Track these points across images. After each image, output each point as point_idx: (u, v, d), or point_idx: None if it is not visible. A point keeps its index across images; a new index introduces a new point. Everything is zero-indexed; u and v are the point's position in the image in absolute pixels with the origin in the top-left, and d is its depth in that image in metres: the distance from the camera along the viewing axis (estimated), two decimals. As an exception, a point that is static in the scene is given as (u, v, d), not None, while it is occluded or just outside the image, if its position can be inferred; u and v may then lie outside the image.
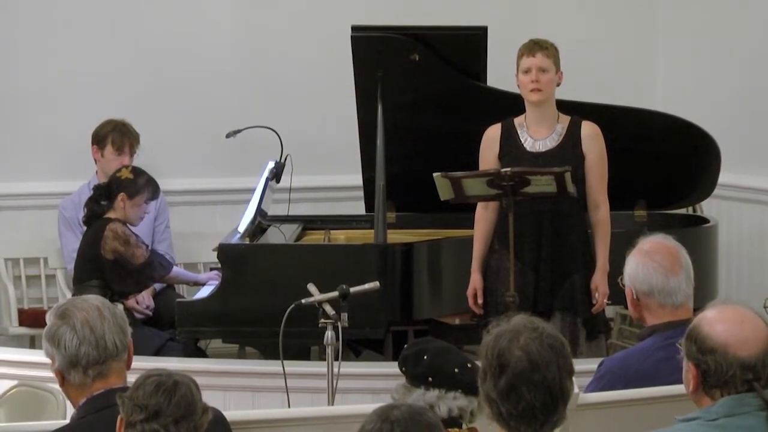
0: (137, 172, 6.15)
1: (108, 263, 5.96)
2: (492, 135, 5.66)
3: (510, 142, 5.63)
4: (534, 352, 2.86)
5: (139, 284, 6.16)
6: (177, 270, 6.36)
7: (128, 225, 6.04)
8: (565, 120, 5.65)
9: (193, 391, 3.01)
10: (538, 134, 5.63)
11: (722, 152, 6.50)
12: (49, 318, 3.41)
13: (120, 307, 3.50)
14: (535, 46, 5.55)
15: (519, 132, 5.64)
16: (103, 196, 6.07)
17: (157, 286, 6.49)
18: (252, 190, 6.42)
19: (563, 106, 5.71)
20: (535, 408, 2.84)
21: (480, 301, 5.62)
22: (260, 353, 5.99)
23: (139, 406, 2.96)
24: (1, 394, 4.63)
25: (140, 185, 6.07)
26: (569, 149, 5.58)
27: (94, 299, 3.42)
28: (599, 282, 5.55)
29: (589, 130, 5.62)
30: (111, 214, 6.02)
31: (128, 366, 3.40)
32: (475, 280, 5.63)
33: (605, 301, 5.58)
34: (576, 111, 5.72)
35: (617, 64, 7.93)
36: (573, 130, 5.62)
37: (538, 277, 5.56)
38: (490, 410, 2.91)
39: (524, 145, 5.61)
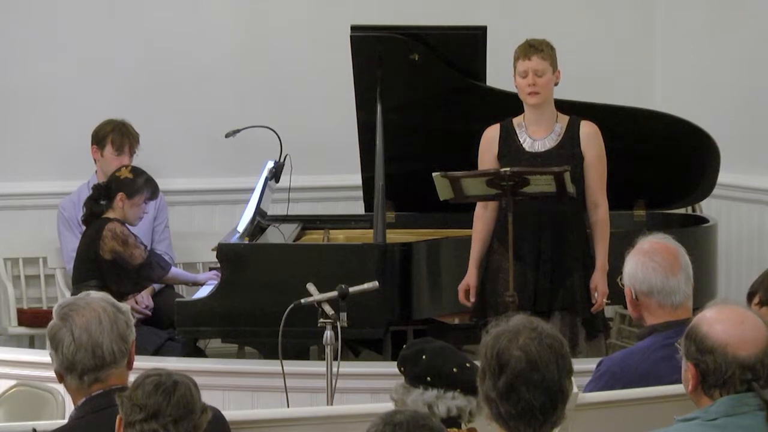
0: (137, 171, 6.15)
1: (106, 263, 5.95)
2: (491, 135, 5.66)
3: (509, 143, 5.62)
4: (533, 352, 2.85)
5: (137, 284, 6.17)
6: (175, 270, 6.35)
7: (127, 225, 6.04)
8: (564, 119, 5.64)
9: (192, 391, 3.01)
10: (536, 134, 5.62)
11: (722, 152, 6.50)
12: (53, 314, 3.40)
13: (126, 307, 3.46)
14: (530, 49, 5.52)
15: (518, 132, 5.63)
16: (102, 196, 6.07)
17: (156, 285, 6.49)
18: (251, 190, 6.42)
19: (563, 105, 5.71)
20: (534, 408, 2.84)
21: (472, 299, 5.61)
22: (259, 353, 5.99)
23: (138, 405, 2.96)
24: (0, 393, 4.63)
25: (139, 185, 6.07)
26: (568, 149, 5.58)
27: (99, 301, 3.38)
28: (598, 282, 5.54)
29: (587, 130, 5.61)
30: (110, 214, 6.02)
31: (130, 367, 3.39)
32: (470, 276, 5.62)
33: (604, 300, 5.58)
34: (576, 111, 5.72)
35: (617, 64, 7.93)
36: (572, 130, 5.61)
37: (538, 277, 5.56)
38: (490, 410, 2.91)
39: (523, 146, 5.60)
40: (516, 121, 5.66)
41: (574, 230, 5.61)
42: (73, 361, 3.30)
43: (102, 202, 6.07)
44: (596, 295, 5.54)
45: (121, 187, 6.05)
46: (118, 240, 5.92)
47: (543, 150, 5.58)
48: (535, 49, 5.51)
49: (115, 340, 3.32)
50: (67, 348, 3.30)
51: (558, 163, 5.42)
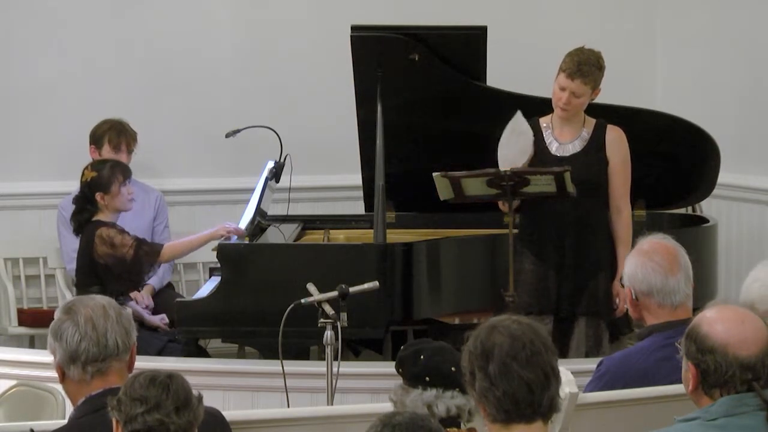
0: (97, 166, 6.02)
1: (103, 267, 5.88)
2: None
3: (535, 143, 5.61)
4: (515, 330, 2.88)
5: (139, 276, 6.01)
6: (171, 246, 6.06)
7: (120, 222, 5.98)
8: (591, 124, 5.64)
9: (186, 382, 3.03)
10: (563, 137, 5.62)
11: (722, 152, 6.49)
12: (56, 314, 3.43)
13: (128, 310, 3.49)
14: (577, 72, 5.47)
15: (544, 134, 5.62)
16: (85, 204, 5.98)
17: (157, 285, 6.49)
18: (251, 190, 6.41)
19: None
20: (532, 382, 2.83)
21: None
22: (260, 353, 5.99)
23: (137, 399, 2.96)
24: (0, 393, 4.63)
25: (107, 176, 5.94)
26: (593, 153, 5.58)
27: (101, 299, 3.43)
28: (620, 288, 5.54)
29: (613, 135, 5.62)
30: (100, 216, 5.93)
31: (130, 369, 3.40)
32: None
33: (625, 306, 5.60)
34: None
35: (617, 64, 7.88)
36: (598, 135, 5.61)
37: (561, 280, 5.55)
38: (486, 402, 2.89)
39: (549, 148, 5.60)
40: (543, 121, 5.65)
41: (598, 234, 5.60)
42: (77, 350, 3.32)
43: (88, 208, 5.99)
44: (617, 301, 5.54)
45: (93, 188, 5.94)
46: (107, 244, 5.84)
47: (569, 154, 5.58)
48: (582, 73, 5.46)
49: (119, 332, 3.35)
50: (72, 337, 3.33)
51: (582, 167, 5.41)
